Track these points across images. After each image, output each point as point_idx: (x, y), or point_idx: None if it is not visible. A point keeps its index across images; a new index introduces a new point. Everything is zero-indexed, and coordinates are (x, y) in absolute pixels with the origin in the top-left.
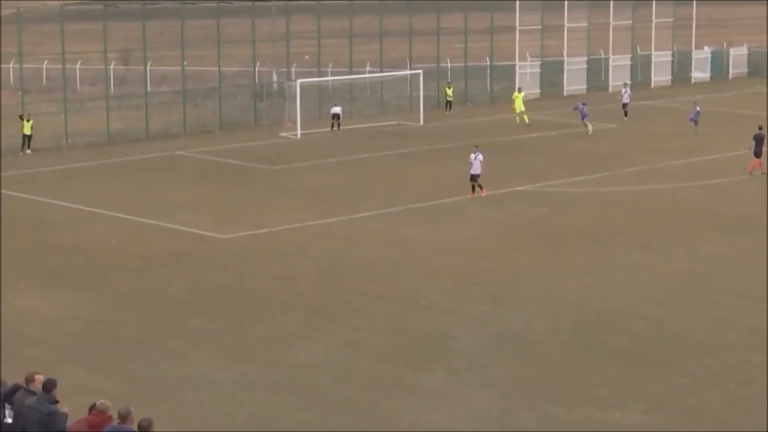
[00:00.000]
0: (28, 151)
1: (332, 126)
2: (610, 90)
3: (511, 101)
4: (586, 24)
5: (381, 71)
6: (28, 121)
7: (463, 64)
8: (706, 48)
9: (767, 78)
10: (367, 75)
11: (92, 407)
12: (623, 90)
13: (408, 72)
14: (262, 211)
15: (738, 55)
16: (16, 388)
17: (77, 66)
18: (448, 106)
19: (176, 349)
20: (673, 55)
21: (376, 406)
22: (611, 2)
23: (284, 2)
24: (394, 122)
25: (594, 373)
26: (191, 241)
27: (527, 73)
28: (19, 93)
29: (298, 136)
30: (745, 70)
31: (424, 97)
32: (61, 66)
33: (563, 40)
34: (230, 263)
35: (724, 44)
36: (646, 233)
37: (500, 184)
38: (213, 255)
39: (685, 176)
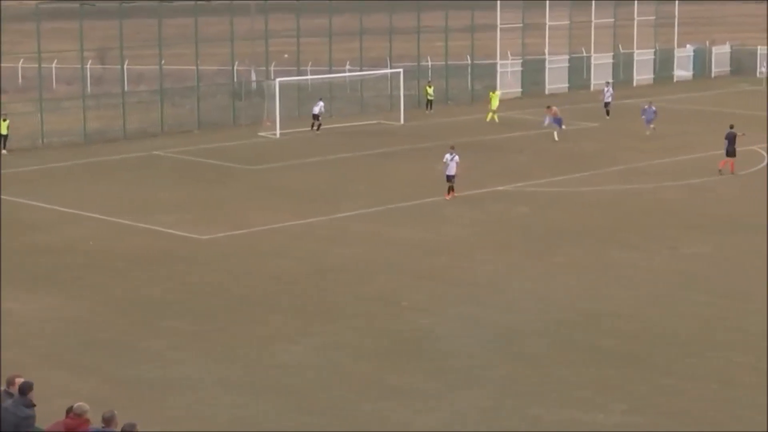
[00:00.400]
0: (4, 152)
1: (312, 126)
2: (592, 89)
3: (496, 100)
4: (567, 22)
5: (361, 70)
6: (4, 120)
7: (443, 63)
8: (688, 46)
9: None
10: (347, 74)
11: (69, 410)
12: (605, 89)
13: (388, 71)
14: (242, 211)
15: (720, 54)
16: None
17: (53, 65)
18: (429, 105)
19: (157, 350)
20: (655, 53)
21: (358, 407)
22: (593, 0)
23: (263, 1)
24: (375, 121)
25: (577, 374)
26: (171, 241)
27: (508, 71)
28: None
29: (278, 135)
30: (728, 68)
31: (404, 96)
32: (36, 65)
33: (545, 38)
34: (210, 264)
35: (707, 42)
36: (630, 233)
37: (481, 184)
38: (193, 256)
39: (668, 175)
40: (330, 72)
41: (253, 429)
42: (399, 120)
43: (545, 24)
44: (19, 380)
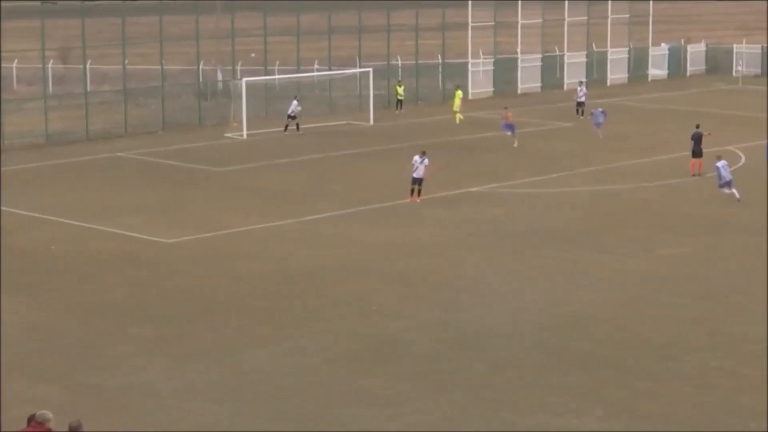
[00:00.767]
0: None
1: (286, 128)
2: (565, 88)
3: (457, 100)
4: (540, 20)
5: (330, 69)
6: None
7: (414, 62)
8: (663, 45)
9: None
10: (316, 73)
11: (31, 418)
12: (578, 88)
13: (357, 70)
14: (209, 214)
15: (696, 52)
16: None
17: (14, 65)
18: (399, 105)
19: (121, 356)
20: (629, 52)
21: (328, 413)
22: None
23: None
24: (344, 122)
25: (552, 379)
26: (135, 245)
27: (480, 71)
28: None
29: (244, 136)
30: (704, 67)
31: (374, 96)
32: None
33: (517, 37)
34: (176, 268)
35: (682, 41)
36: (605, 234)
37: (454, 185)
38: (158, 260)
39: (644, 176)
40: (298, 71)
41: None
42: (369, 120)
43: (517, 22)
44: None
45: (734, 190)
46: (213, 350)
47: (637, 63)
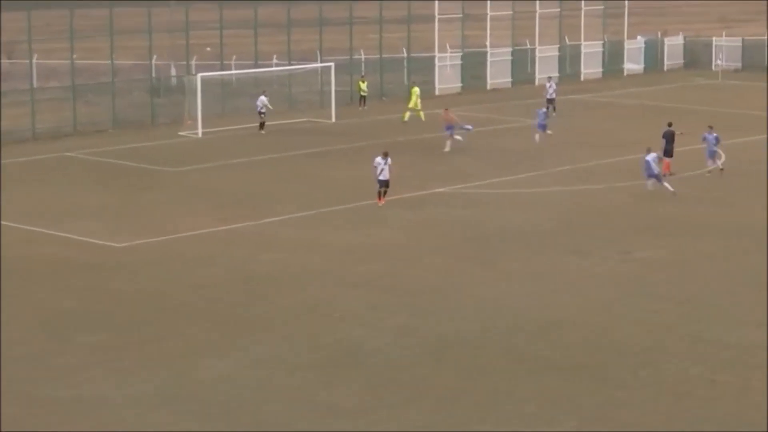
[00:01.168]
0: None
1: (262, 125)
2: (537, 83)
3: (414, 97)
4: (510, 12)
5: (289, 64)
6: None
7: (378, 56)
8: (639, 38)
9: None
10: (275, 68)
11: None
12: (547, 84)
13: (318, 65)
14: (162, 216)
15: (673, 45)
16: None
17: None
18: (362, 102)
19: (71, 366)
20: (604, 45)
21: (290, 426)
22: None
23: None
24: (304, 119)
25: (524, 387)
26: (85, 250)
27: (447, 65)
28: None
29: (200, 135)
30: (681, 61)
31: (336, 91)
32: None
33: (486, 29)
34: (127, 274)
35: (659, 34)
36: (579, 237)
37: (421, 186)
38: (109, 265)
39: (619, 175)
40: (256, 66)
41: None
42: (330, 117)
43: (487, 14)
44: None
45: (666, 184)
46: (167, 360)
47: (612, 57)
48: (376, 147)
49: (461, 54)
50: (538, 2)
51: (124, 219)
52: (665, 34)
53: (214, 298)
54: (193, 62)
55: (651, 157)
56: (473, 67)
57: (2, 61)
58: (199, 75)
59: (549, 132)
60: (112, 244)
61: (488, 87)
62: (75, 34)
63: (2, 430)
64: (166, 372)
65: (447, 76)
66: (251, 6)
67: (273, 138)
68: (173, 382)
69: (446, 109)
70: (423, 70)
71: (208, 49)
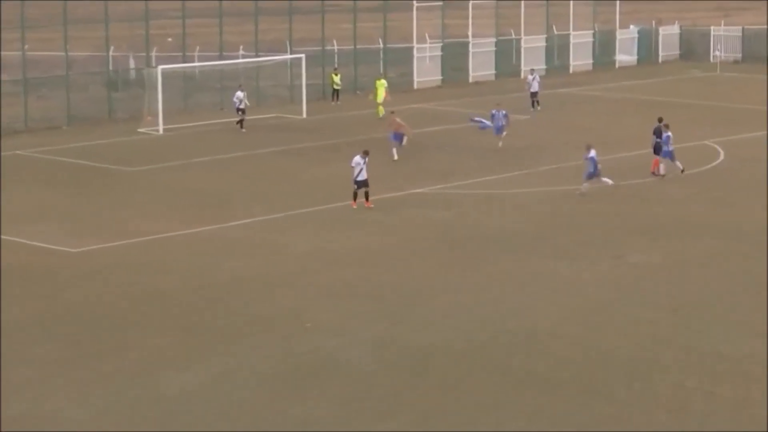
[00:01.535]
0: None
1: (241, 123)
2: (522, 75)
3: (381, 90)
4: (494, 0)
5: (257, 56)
6: None
7: (352, 47)
8: (632, 27)
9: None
10: (241, 60)
11: None
12: (530, 77)
13: (288, 57)
14: (120, 219)
15: (668, 35)
16: None
17: None
18: (336, 96)
19: (23, 381)
20: (594, 35)
21: None
22: None
23: None
24: (273, 115)
25: (506, 401)
26: (37, 255)
27: (426, 56)
28: None
29: (160, 131)
30: (677, 52)
31: (306, 85)
32: None
33: (468, 18)
34: (84, 281)
35: (653, 23)
36: (567, 240)
37: (398, 186)
38: (64, 272)
39: (609, 174)
40: (221, 58)
41: None
42: (301, 113)
43: (468, 2)
44: None
45: (605, 179)
46: (127, 373)
47: (603, 48)
48: (350, 144)
49: (441, 45)
50: None
51: (80, 222)
52: (660, 23)
53: (176, 306)
54: (153, 54)
55: (593, 154)
56: (454, 58)
57: None
58: (160, 67)
59: (504, 134)
60: (68, 249)
61: (470, 80)
62: (26, 23)
63: None
64: (127, 386)
65: (426, 68)
66: None
67: (240, 135)
68: (135, 398)
69: (393, 113)
70: (400, 62)
71: (170, 39)
